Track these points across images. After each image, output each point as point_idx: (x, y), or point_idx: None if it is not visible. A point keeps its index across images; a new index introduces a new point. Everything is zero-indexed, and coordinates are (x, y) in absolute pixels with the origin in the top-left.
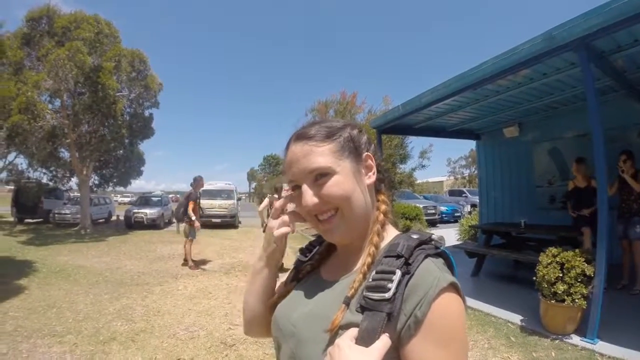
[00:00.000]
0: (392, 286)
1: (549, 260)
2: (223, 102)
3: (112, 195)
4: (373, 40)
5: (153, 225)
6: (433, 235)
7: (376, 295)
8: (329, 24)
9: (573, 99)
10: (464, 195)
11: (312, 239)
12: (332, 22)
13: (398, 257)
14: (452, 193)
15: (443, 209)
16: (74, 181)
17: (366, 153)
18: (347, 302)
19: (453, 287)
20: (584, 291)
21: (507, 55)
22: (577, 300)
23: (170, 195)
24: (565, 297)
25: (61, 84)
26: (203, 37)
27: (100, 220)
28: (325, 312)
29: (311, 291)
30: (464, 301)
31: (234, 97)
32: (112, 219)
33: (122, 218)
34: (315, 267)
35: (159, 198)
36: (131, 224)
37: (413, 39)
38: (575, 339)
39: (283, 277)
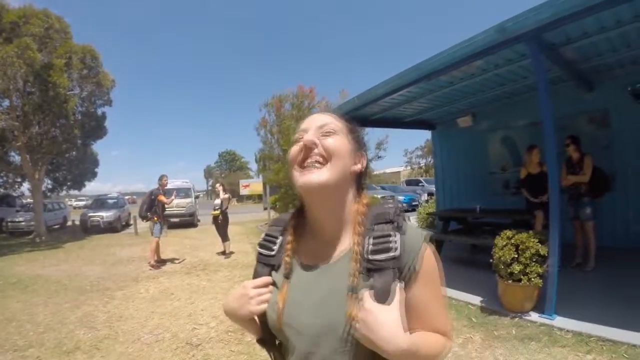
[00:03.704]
0: (397, 246)
1: (504, 243)
2: (177, 99)
3: (67, 199)
4: (331, 34)
5: (110, 228)
6: (394, 202)
7: (383, 256)
8: (288, 19)
9: (524, 89)
10: (420, 184)
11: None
12: (291, 17)
13: (390, 222)
14: (409, 183)
15: (401, 198)
16: (26, 187)
17: (361, 150)
18: (354, 291)
19: (429, 238)
20: (540, 270)
21: (461, 47)
22: (533, 279)
23: (127, 197)
24: (522, 277)
25: (10, 83)
26: (156, 31)
27: (56, 226)
28: (335, 296)
29: (310, 283)
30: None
31: (189, 93)
32: (67, 224)
33: (77, 223)
34: (292, 256)
35: (115, 200)
36: (87, 228)
37: (368, 33)
38: (534, 316)
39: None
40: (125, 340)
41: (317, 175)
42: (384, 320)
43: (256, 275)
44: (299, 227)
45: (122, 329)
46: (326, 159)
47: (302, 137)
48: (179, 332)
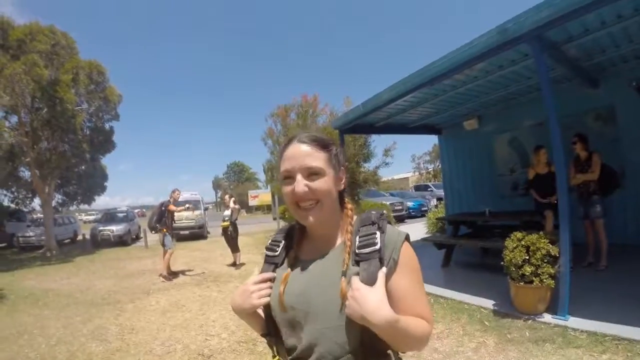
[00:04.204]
0: (378, 241)
1: (515, 244)
2: (184, 112)
3: (77, 213)
4: (332, 42)
5: (120, 242)
6: (378, 211)
7: (368, 249)
8: (290, 29)
9: (529, 90)
10: (429, 189)
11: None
12: (292, 26)
13: (373, 224)
14: (417, 188)
15: (410, 204)
16: (36, 202)
17: (342, 167)
18: (345, 275)
19: (407, 237)
20: (551, 271)
21: (463, 50)
22: (545, 280)
23: (136, 210)
24: (533, 278)
25: (18, 99)
26: (161, 46)
27: (66, 241)
28: (329, 280)
29: (308, 272)
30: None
31: (195, 105)
32: (78, 239)
33: (88, 237)
34: (294, 254)
35: (125, 213)
36: (98, 242)
37: (372, 40)
38: (547, 317)
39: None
40: (137, 352)
41: (313, 217)
42: (369, 296)
43: (262, 272)
44: (300, 232)
45: (134, 341)
46: (317, 199)
47: (290, 178)
48: (191, 344)
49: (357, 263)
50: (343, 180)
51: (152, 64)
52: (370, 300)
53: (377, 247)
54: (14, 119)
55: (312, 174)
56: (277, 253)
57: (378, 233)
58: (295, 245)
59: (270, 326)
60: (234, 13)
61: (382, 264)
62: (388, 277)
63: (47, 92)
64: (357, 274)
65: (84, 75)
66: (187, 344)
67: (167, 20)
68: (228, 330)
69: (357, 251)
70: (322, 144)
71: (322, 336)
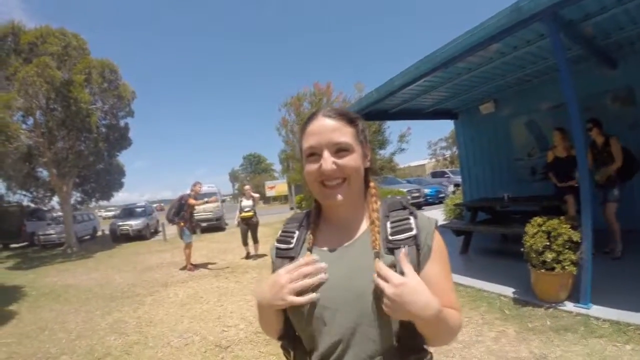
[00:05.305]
0: (414, 226)
1: (535, 230)
2: (197, 105)
3: (96, 210)
4: (344, 28)
5: (139, 236)
6: (403, 197)
7: (404, 236)
8: (299, 21)
9: (546, 71)
10: (446, 175)
11: None
12: (302, 18)
13: (404, 208)
14: (434, 175)
15: (427, 191)
16: (55, 200)
17: (367, 144)
18: (378, 256)
19: (436, 223)
20: (573, 257)
21: (476, 31)
22: (566, 267)
23: (155, 205)
24: (555, 265)
25: (32, 101)
26: (171, 40)
27: (86, 237)
28: (362, 268)
29: (334, 261)
30: None
31: (208, 99)
32: (97, 235)
33: (107, 232)
34: (311, 243)
35: (143, 208)
36: (117, 237)
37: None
38: (569, 306)
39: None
40: (155, 344)
41: (340, 195)
42: (418, 288)
43: (275, 269)
44: (315, 217)
45: (152, 333)
46: (344, 177)
47: (316, 155)
48: (208, 335)
49: (390, 251)
50: (369, 157)
51: (165, 58)
52: (421, 293)
53: (414, 232)
54: (30, 121)
55: (340, 150)
56: (291, 245)
57: (412, 218)
58: (312, 233)
59: (287, 327)
60: (248, 3)
61: (418, 250)
62: (422, 263)
63: (61, 92)
64: (394, 265)
65: (96, 74)
66: (205, 336)
67: (179, 13)
68: (245, 321)
69: (390, 238)
70: (349, 119)
71: (354, 333)
